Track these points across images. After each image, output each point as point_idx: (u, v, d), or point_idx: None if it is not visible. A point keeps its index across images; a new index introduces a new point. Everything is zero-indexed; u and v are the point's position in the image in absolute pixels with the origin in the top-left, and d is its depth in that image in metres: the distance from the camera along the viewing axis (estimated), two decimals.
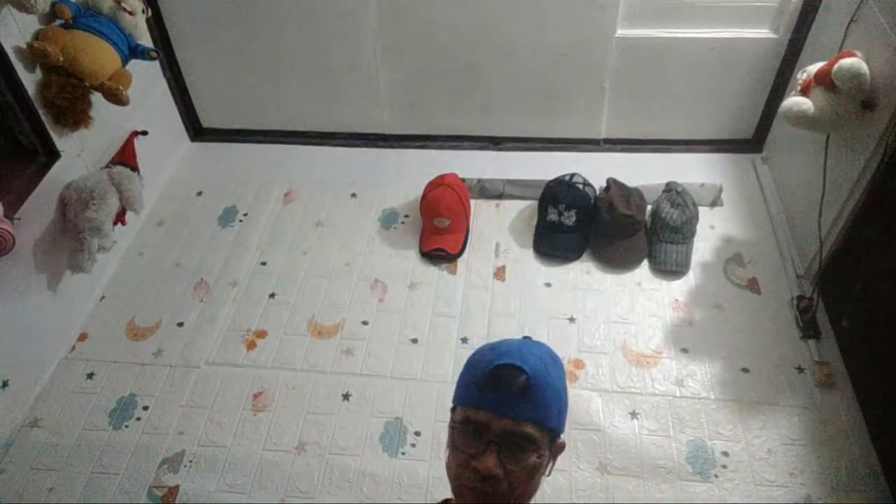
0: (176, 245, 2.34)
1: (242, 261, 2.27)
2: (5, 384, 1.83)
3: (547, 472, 0.86)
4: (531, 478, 0.82)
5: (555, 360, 0.88)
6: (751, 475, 1.68)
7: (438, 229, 2.24)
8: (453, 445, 0.83)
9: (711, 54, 2.29)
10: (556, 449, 0.87)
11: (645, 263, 2.18)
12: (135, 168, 2.19)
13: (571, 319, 2.04)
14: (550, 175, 2.30)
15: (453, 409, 0.87)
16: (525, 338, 0.92)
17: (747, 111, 2.46)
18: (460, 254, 2.24)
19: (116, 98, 1.98)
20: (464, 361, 0.87)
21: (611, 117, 2.52)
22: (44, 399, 1.93)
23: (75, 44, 1.86)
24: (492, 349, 0.86)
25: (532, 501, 0.87)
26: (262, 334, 2.06)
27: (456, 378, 0.88)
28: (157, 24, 2.39)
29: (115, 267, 2.27)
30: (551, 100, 2.48)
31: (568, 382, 1.96)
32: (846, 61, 1.64)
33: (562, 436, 0.87)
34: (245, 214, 2.43)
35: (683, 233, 2.16)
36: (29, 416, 1.89)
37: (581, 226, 2.21)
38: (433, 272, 2.20)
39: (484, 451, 0.79)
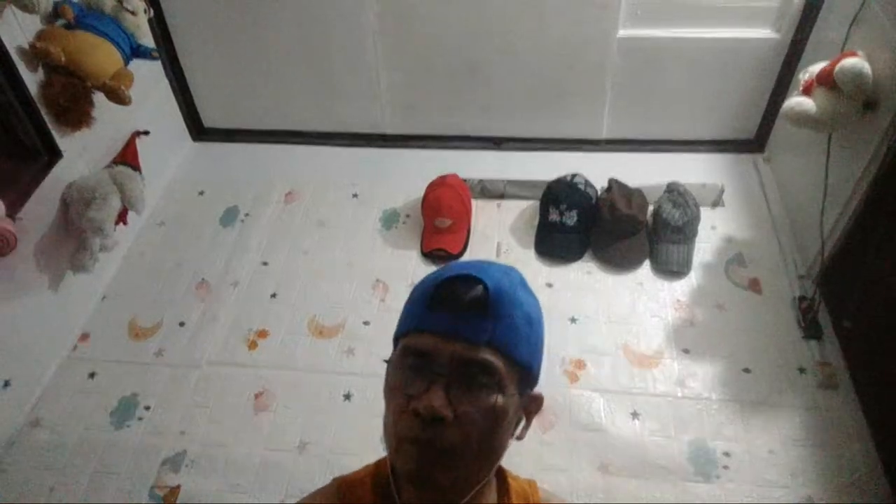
0: (177, 245, 2.34)
1: (244, 261, 2.27)
2: (7, 384, 1.84)
3: (518, 433, 0.67)
4: (494, 425, 0.62)
5: (526, 286, 0.68)
6: (752, 475, 1.67)
7: (439, 229, 2.24)
8: (389, 388, 0.65)
9: (713, 54, 2.29)
10: (530, 402, 0.68)
11: (646, 264, 2.18)
12: (136, 168, 2.19)
13: (573, 320, 2.03)
14: (552, 175, 2.30)
15: (392, 355, 0.68)
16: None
17: (749, 111, 2.46)
18: (461, 254, 2.23)
19: (118, 98, 1.98)
20: None
21: (612, 117, 2.52)
22: (45, 399, 1.93)
23: (77, 44, 1.86)
24: (442, 268, 0.68)
25: (501, 465, 0.70)
26: (263, 334, 2.06)
27: None
28: (158, 24, 2.40)
29: (116, 267, 2.28)
30: (553, 100, 2.48)
31: (569, 382, 1.96)
32: (848, 61, 1.64)
33: (538, 388, 0.69)
34: (246, 214, 2.43)
35: (685, 233, 2.16)
36: (30, 415, 1.89)
37: (582, 226, 2.21)
38: None
39: (428, 388, 0.60)
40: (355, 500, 0.72)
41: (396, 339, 0.67)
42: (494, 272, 0.65)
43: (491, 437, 0.62)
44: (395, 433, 0.63)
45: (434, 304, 0.63)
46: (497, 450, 0.65)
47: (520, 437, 0.68)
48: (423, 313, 0.64)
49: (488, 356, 0.61)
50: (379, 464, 0.75)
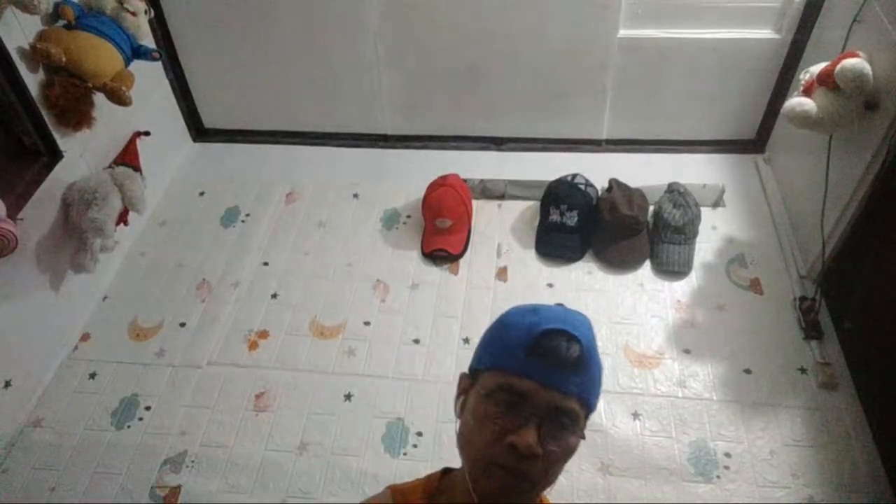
0: (178, 245, 2.34)
1: (244, 261, 2.27)
2: (8, 384, 1.84)
3: None
4: (566, 460, 0.72)
5: (594, 333, 0.77)
6: (753, 476, 1.67)
7: (440, 230, 2.24)
8: (483, 415, 0.72)
9: (714, 55, 2.29)
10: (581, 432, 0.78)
11: (647, 264, 2.18)
12: (137, 168, 2.19)
13: None
14: (552, 175, 2.30)
15: (473, 374, 0.76)
16: (559, 305, 0.80)
17: (750, 111, 2.46)
18: (462, 254, 2.24)
19: (119, 98, 1.98)
20: (466, 362, 0.81)
21: (613, 118, 2.52)
22: (46, 399, 1.93)
23: (78, 44, 1.86)
24: (534, 311, 0.75)
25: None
26: (264, 335, 2.06)
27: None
28: (159, 25, 2.40)
29: (117, 267, 2.28)
30: (553, 100, 2.48)
31: None
32: (849, 62, 1.64)
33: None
34: (247, 215, 2.44)
35: (685, 233, 2.15)
36: (31, 415, 1.89)
37: (583, 226, 2.21)
38: (435, 273, 2.20)
39: (524, 426, 0.69)
40: None
41: (487, 370, 0.74)
42: (582, 328, 0.73)
43: (560, 466, 0.73)
44: (486, 457, 0.71)
45: (536, 355, 0.71)
46: (559, 473, 0.75)
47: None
48: (524, 359, 0.71)
49: (575, 405, 0.71)
50: (431, 477, 0.84)
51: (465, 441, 0.74)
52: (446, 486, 0.81)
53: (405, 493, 0.82)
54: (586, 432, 0.74)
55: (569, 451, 0.72)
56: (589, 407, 0.74)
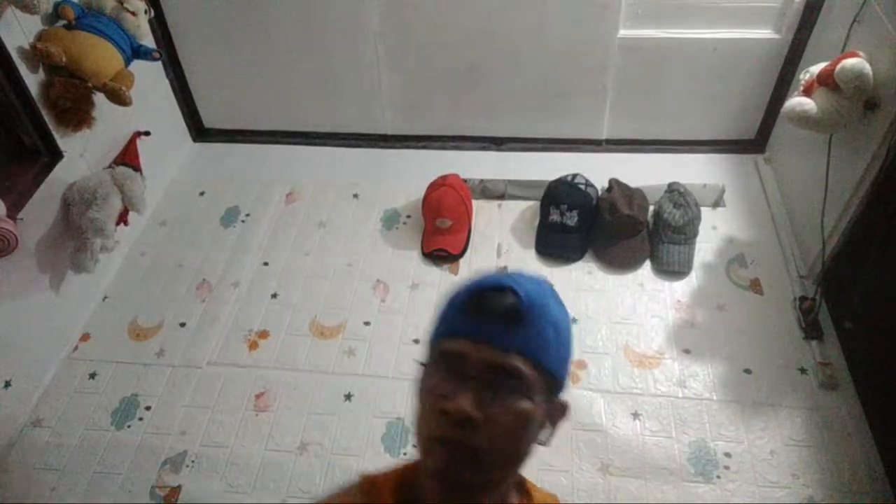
0: (178, 245, 2.34)
1: (244, 261, 2.27)
2: (8, 384, 1.84)
3: (544, 439, 0.69)
4: (520, 430, 0.64)
5: (556, 297, 0.72)
6: (753, 476, 1.67)
7: (440, 230, 2.24)
8: (422, 389, 0.67)
9: (714, 55, 2.29)
10: (556, 410, 0.70)
11: (647, 264, 2.18)
12: (137, 168, 2.19)
13: (573, 320, 2.03)
14: (552, 175, 2.30)
15: (431, 353, 0.70)
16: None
17: (750, 111, 2.46)
18: (462, 254, 2.24)
19: (119, 98, 1.98)
20: None
21: (613, 118, 2.52)
22: (46, 399, 1.93)
23: (78, 44, 1.86)
24: (479, 277, 0.71)
25: (523, 473, 0.71)
26: (264, 335, 2.06)
27: None
28: (159, 25, 2.40)
29: (117, 267, 2.28)
30: (553, 100, 2.48)
31: (570, 383, 1.96)
32: (849, 62, 1.64)
33: (563, 397, 0.71)
34: (247, 215, 2.44)
35: (686, 233, 2.15)
36: (31, 415, 1.89)
37: (583, 226, 2.21)
38: (435, 272, 2.20)
39: (458, 390, 0.62)
40: (379, 498, 0.73)
41: (432, 345, 0.70)
42: (527, 283, 0.67)
43: (517, 440, 0.65)
44: (426, 432, 0.65)
45: (469, 311, 0.66)
46: (521, 454, 0.67)
47: (545, 443, 0.69)
48: (457, 319, 0.67)
49: (517, 363, 0.64)
50: (406, 466, 0.76)
51: (416, 429, 0.67)
52: (421, 474, 0.73)
53: (376, 482, 0.75)
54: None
55: (520, 418, 0.64)
56: (542, 366, 0.66)
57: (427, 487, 0.67)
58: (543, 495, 0.77)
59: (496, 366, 0.63)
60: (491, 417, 0.62)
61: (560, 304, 0.71)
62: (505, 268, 0.70)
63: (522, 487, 0.76)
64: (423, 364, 0.69)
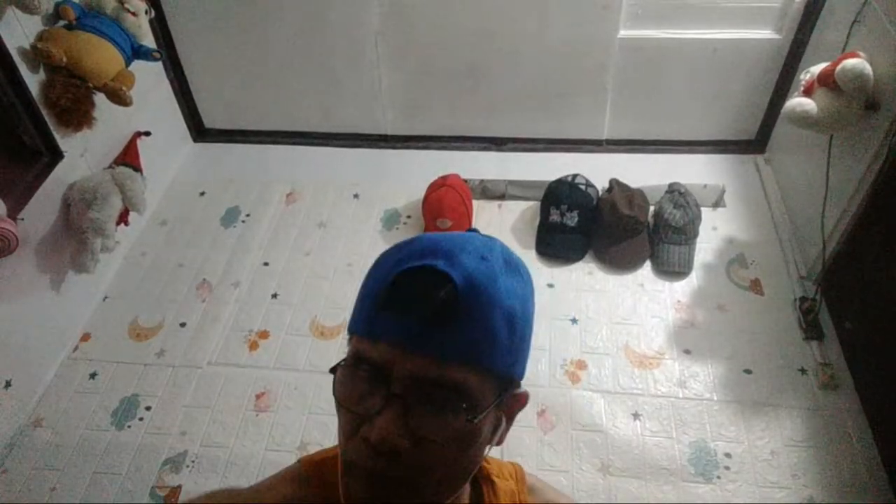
0: (178, 245, 2.34)
1: (245, 261, 2.27)
2: (8, 384, 1.84)
3: (497, 440, 0.56)
4: (462, 450, 0.51)
5: (511, 263, 0.57)
6: (753, 476, 1.67)
7: (440, 230, 2.24)
8: (338, 399, 0.53)
9: (714, 55, 2.29)
10: (512, 403, 0.57)
11: (647, 264, 2.18)
12: (138, 168, 2.19)
13: (574, 320, 2.03)
14: (553, 176, 2.30)
15: (349, 343, 0.56)
16: (471, 230, 0.62)
17: (750, 112, 2.46)
18: None
19: (119, 99, 1.98)
20: None
21: (613, 118, 2.51)
22: (46, 399, 1.93)
23: (79, 45, 1.86)
24: (407, 243, 0.55)
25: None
26: (264, 335, 2.06)
27: None
28: (160, 25, 2.40)
29: (117, 267, 2.28)
30: (554, 100, 2.48)
31: (570, 383, 1.96)
32: (849, 62, 1.64)
33: (522, 384, 0.57)
34: (247, 215, 2.44)
35: (686, 234, 2.15)
36: (32, 415, 1.89)
37: (583, 227, 2.21)
38: None
39: (381, 410, 0.49)
40: (322, 479, 0.63)
41: (350, 338, 0.55)
42: (467, 259, 0.51)
43: (457, 462, 0.52)
44: (344, 455, 0.52)
45: (390, 304, 0.50)
46: (468, 469, 0.55)
47: (499, 443, 0.58)
48: (375, 315, 0.51)
49: (457, 374, 0.49)
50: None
51: (338, 432, 0.55)
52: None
53: (319, 464, 0.65)
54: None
55: (460, 438, 0.50)
56: (495, 372, 0.52)
57: None
58: (508, 484, 0.67)
59: (429, 381, 0.49)
60: (422, 443, 0.49)
61: (515, 273, 0.56)
62: (475, 230, 0.58)
63: (485, 477, 0.66)
64: (336, 367, 0.54)
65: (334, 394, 0.53)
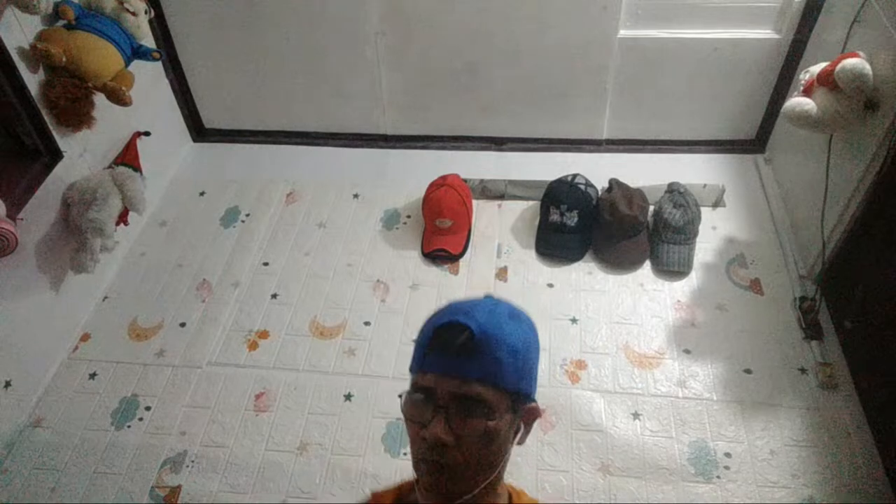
0: (178, 245, 2.34)
1: (244, 261, 2.27)
2: (8, 384, 1.84)
3: (517, 440, 0.81)
4: (487, 443, 0.75)
5: (514, 315, 0.80)
6: (753, 476, 1.67)
7: (440, 230, 2.24)
8: (406, 417, 0.78)
9: (714, 55, 2.29)
10: (528, 414, 0.81)
11: (647, 264, 2.18)
12: (137, 168, 2.19)
13: (574, 320, 2.03)
14: (552, 175, 2.30)
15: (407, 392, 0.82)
16: (487, 296, 0.86)
17: (750, 112, 2.46)
18: (462, 254, 2.23)
19: (119, 99, 1.98)
20: None
21: (613, 118, 2.52)
22: (46, 399, 1.93)
23: (78, 44, 1.86)
24: (441, 309, 0.81)
25: (503, 471, 0.81)
26: (264, 335, 2.06)
27: None
28: (159, 25, 2.40)
29: (117, 267, 2.28)
30: (553, 100, 2.48)
31: (570, 383, 1.96)
32: (849, 62, 1.64)
33: (536, 400, 0.81)
34: (247, 215, 2.44)
35: (686, 233, 2.15)
36: (31, 416, 1.89)
37: (583, 226, 2.21)
38: (435, 273, 2.20)
39: (433, 419, 0.74)
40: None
41: (411, 376, 0.80)
42: (480, 314, 0.76)
43: (487, 452, 0.76)
44: (414, 455, 0.77)
45: (432, 348, 0.76)
46: (495, 459, 0.77)
47: (520, 443, 0.81)
48: (423, 355, 0.77)
49: (477, 389, 0.73)
50: (406, 481, 0.89)
51: (409, 444, 0.80)
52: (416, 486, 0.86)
53: (382, 495, 0.89)
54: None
55: (486, 434, 0.74)
56: (506, 389, 0.76)
57: (421, 497, 0.79)
58: (529, 499, 0.88)
59: (460, 395, 0.74)
60: (461, 438, 0.74)
61: (519, 321, 0.80)
62: (489, 296, 0.86)
63: (513, 491, 0.86)
64: (401, 395, 0.79)
65: (403, 412, 0.78)
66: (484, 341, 0.74)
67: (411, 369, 0.80)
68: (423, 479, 0.77)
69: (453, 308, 0.79)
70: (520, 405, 0.78)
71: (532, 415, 0.81)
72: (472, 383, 0.73)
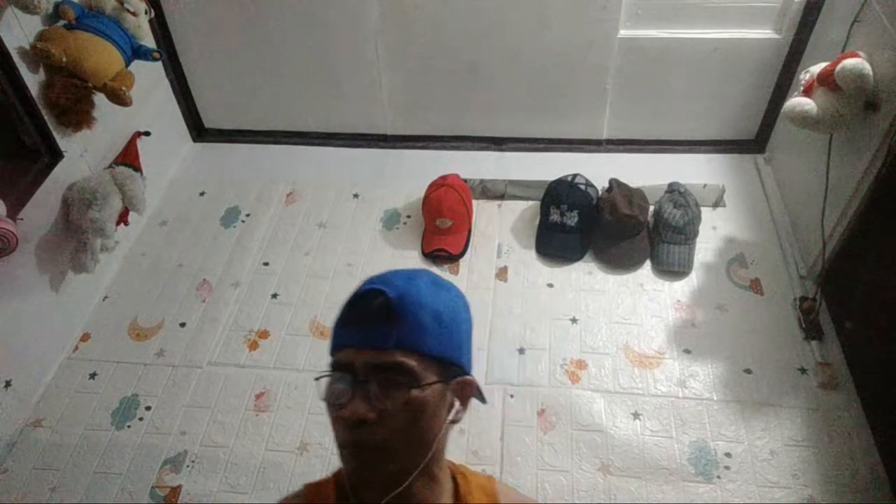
0: (178, 245, 2.34)
1: (245, 261, 2.27)
2: (8, 384, 1.84)
3: (452, 416, 0.72)
4: (416, 417, 0.67)
5: (437, 283, 0.74)
6: (753, 476, 1.67)
7: (440, 230, 2.24)
8: (326, 404, 0.71)
9: (714, 55, 2.29)
10: (461, 388, 0.73)
11: (647, 264, 2.18)
12: (137, 168, 2.19)
13: (574, 320, 2.03)
14: (552, 175, 2.30)
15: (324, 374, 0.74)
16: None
17: (750, 112, 2.46)
18: (462, 254, 2.23)
19: (119, 99, 1.98)
20: None
21: (613, 118, 2.52)
22: (46, 399, 1.93)
23: (78, 44, 1.86)
24: (358, 287, 0.73)
25: (441, 455, 0.75)
26: (264, 335, 2.06)
27: None
28: (159, 25, 2.40)
29: (117, 267, 2.28)
30: (554, 100, 2.48)
31: (570, 383, 1.96)
32: (849, 62, 1.64)
33: (472, 373, 0.74)
34: (247, 215, 2.44)
35: (686, 233, 2.15)
36: (32, 416, 1.89)
37: (583, 226, 2.21)
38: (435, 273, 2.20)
39: (352, 396, 0.67)
40: (319, 500, 0.79)
41: (331, 359, 0.73)
42: (398, 280, 0.70)
43: (416, 426, 0.68)
44: (336, 441, 0.70)
45: (348, 321, 0.70)
46: (426, 436, 0.70)
47: (455, 421, 0.73)
48: (339, 331, 0.71)
49: (399, 357, 0.67)
50: (341, 469, 0.80)
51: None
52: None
53: (317, 486, 0.81)
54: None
55: (413, 406, 0.67)
56: (433, 356, 0.69)
57: (351, 494, 0.73)
58: (479, 479, 0.82)
59: (378, 365, 0.67)
60: (385, 413, 0.66)
61: (444, 289, 0.74)
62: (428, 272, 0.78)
63: (460, 474, 0.80)
64: (318, 378, 0.72)
65: (323, 399, 0.70)
66: (401, 304, 0.67)
67: (330, 352, 0.73)
68: (348, 468, 0.69)
69: (370, 279, 0.72)
70: (452, 376, 0.72)
71: (467, 389, 0.74)
72: (391, 351, 0.66)
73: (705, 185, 2.32)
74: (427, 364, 0.68)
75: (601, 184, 2.30)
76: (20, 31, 1.79)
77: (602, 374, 1.90)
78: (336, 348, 0.71)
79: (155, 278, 2.24)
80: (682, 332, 1.98)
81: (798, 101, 1.76)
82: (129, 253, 2.32)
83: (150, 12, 2.14)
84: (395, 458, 0.68)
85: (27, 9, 1.71)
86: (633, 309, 2.06)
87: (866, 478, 1.64)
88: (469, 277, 2.18)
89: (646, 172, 2.39)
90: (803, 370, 1.86)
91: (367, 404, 0.66)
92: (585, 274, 2.17)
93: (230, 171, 2.62)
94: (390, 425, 0.66)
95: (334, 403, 0.68)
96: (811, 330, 1.92)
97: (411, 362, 0.67)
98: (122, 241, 2.27)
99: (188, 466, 1.77)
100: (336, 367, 0.70)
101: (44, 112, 1.87)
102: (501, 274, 2.18)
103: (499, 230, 2.32)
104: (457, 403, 0.73)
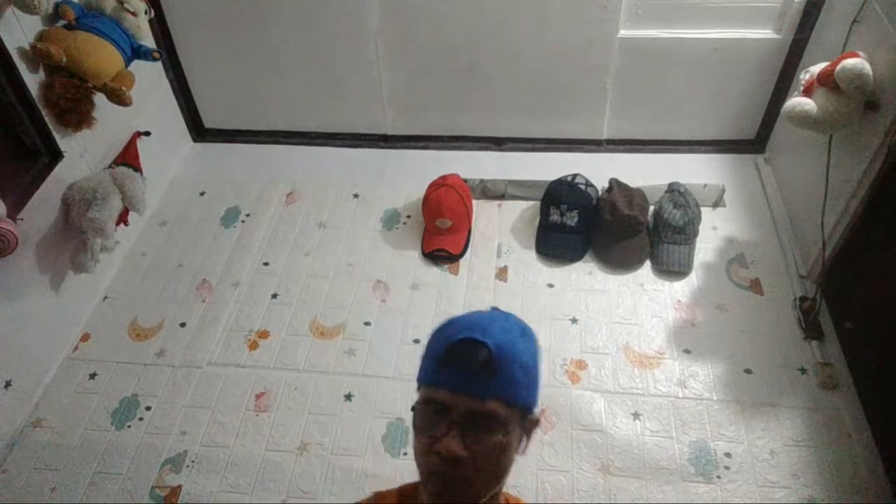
0: (178, 245, 2.34)
1: (245, 261, 2.27)
2: (8, 384, 1.84)
3: (520, 450, 0.81)
4: (499, 458, 0.77)
5: (523, 331, 0.81)
6: (753, 476, 1.67)
7: (440, 230, 2.24)
8: (416, 428, 0.78)
9: (714, 55, 2.29)
10: (530, 425, 0.82)
11: (647, 264, 2.18)
12: (137, 168, 2.19)
13: (574, 320, 2.03)
14: (552, 175, 2.30)
15: (419, 390, 0.82)
16: (493, 308, 0.86)
17: (750, 112, 2.46)
18: (462, 254, 2.24)
19: (119, 99, 1.98)
20: None
21: (613, 118, 2.52)
22: (46, 399, 1.93)
23: (78, 44, 1.86)
24: (451, 323, 0.81)
25: (507, 482, 0.83)
26: (264, 335, 2.06)
27: None
28: (159, 25, 2.40)
29: (117, 267, 2.28)
30: (554, 100, 2.48)
31: (570, 383, 1.97)
32: (849, 62, 1.64)
33: (536, 411, 0.82)
34: (247, 215, 2.44)
35: (686, 233, 2.15)
36: (32, 416, 1.89)
37: (583, 226, 2.21)
38: (435, 273, 2.20)
39: (447, 433, 0.74)
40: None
41: (419, 388, 0.80)
42: (496, 331, 0.76)
43: (497, 466, 0.77)
44: (423, 466, 0.77)
45: (447, 364, 0.75)
46: (503, 472, 0.79)
47: (522, 453, 0.81)
48: (438, 370, 0.76)
49: (493, 407, 0.74)
50: (408, 483, 0.89)
51: (414, 452, 0.80)
52: (418, 493, 0.86)
53: (384, 494, 0.91)
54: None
55: (499, 449, 0.75)
56: (520, 405, 0.77)
57: None
58: None
59: (475, 412, 0.74)
60: (474, 454, 0.74)
61: (527, 337, 0.80)
62: (496, 308, 0.87)
63: (509, 498, 0.88)
64: (413, 408, 0.79)
65: (414, 425, 0.78)
66: (501, 360, 0.74)
67: (419, 380, 0.80)
68: (431, 489, 0.77)
69: (465, 323, 0.78)
70: (526, 417, 0.80)
71: (533, 425, 0.82)
72: (488, 401, 0.73)
73: (705, 185, 2.32)
74: (512, 412, 0.76)
75: (601, 184, 2.30)
76: (20, 31, 1.79)
77: (602, 374, 1.90)
78: (431, 384, 0.77)
79: (155, 278, 2.24)
80: (682, 332, 1.98)
81: (798, 101, 1.76)
82: (129, 253, 2.32)
83: (150, 12, 2.14)
84: (474, 489, 0.76)
85: (27, 9, 1.71)
86: (633, 309, 2.06)
87: (866, 478, 1.64)
88: (469, 277, 2.18)
89: (646, 172, 2.39)
90: (803, 370, 1.86)
91: (460, 443, 0.73)
92: (585, 274, 2.17)
93: (230, 171, 2.62)
94: (478, 464, 0.74)
95: (429, 434, 0.75)
96: (811, 330, 1.93)
97: (502, 412, 0.74)
98: (122, 241, 2.27)
99: (188, 466, 1.77)
100: (430, 402, 0.76)
101: (44, 112, 1.87)
102: (501, 274, 2.18)
103: (499, 230, 2.32)
104: (524, 438, 0.81)
